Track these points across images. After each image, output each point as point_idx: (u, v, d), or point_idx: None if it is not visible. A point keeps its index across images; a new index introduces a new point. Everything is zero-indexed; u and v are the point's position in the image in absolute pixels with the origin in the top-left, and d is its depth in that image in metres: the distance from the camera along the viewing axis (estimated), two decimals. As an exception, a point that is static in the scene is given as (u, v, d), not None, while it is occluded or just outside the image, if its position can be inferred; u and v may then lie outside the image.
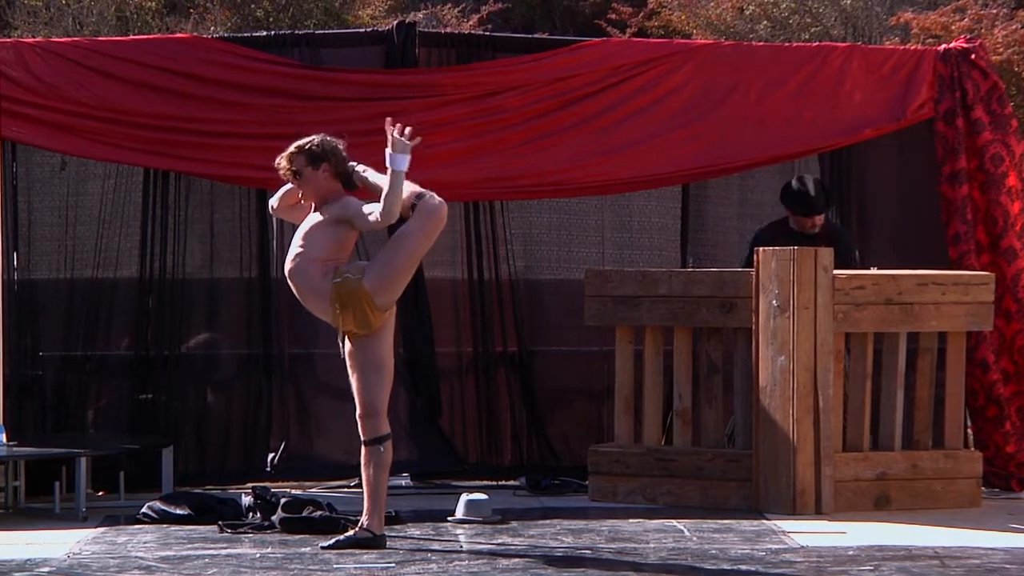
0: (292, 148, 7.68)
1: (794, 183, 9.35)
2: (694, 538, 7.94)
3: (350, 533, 7.58)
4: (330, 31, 9.75)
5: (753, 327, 8.72)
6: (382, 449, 7.54)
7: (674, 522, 8.33)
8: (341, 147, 7.74)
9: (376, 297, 7.49)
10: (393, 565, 7.26)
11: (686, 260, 9.82)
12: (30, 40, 9.31)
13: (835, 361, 8.68)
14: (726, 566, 7.27)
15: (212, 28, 17.80)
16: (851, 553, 7.56)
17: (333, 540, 7.55)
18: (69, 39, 9.44)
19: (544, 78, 9.56)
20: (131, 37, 9.36)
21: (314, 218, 7.64)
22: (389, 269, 7.55)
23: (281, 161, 7.69)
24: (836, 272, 8.69)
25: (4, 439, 8.76)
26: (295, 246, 7.62)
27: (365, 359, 7.55)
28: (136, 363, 9.53)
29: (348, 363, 7.60)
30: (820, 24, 17.80)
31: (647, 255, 9.86)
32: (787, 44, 9.72)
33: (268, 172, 9.42)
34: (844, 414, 8.82)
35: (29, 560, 7.41)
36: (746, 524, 8.28)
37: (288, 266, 7.63)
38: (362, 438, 7.58)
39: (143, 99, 9.32)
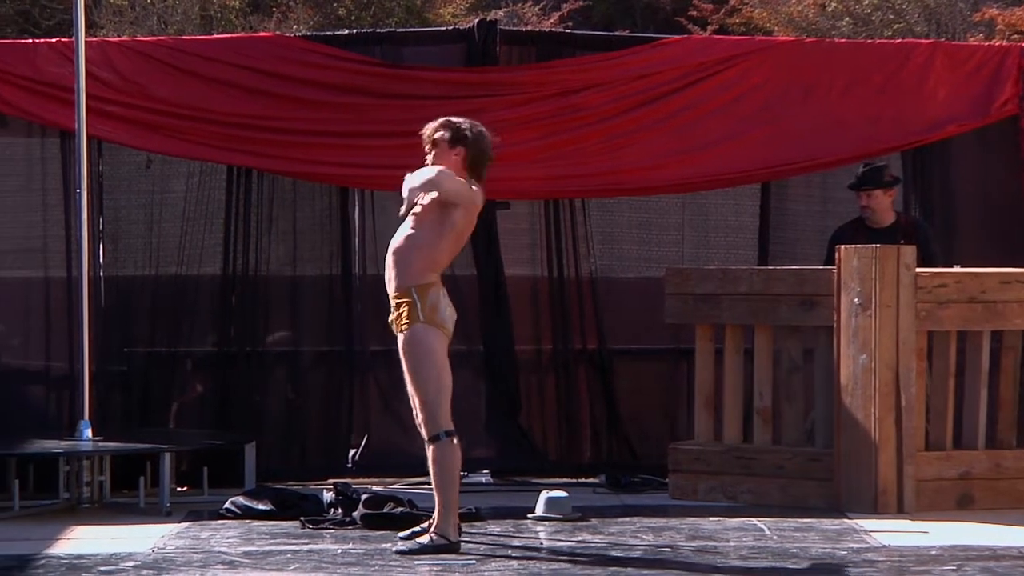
0: (446, 119, 7.52)
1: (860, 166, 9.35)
2: (775, 537, 7.91)
3: (424, 540, 7.42)
4: (411, 29, 9.82)
5: (834, 325, 8.68)
6: (445, 442, 7.33)
7: (754, 520, 8.30)
8: (488, 146, 7.56)
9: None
10: (473, 562, 7.28)
11: (767, 258, 9.78)
12: (116, 39, 9.43)
13: (917, 360, 8.62)
14: (807, 565, 7.23)
15: (294, 27, 17.93)
16: (934, 553, 7.51)
17: (406, 547, 7.41)
18: (154, 38, 9.54)
19: (624, 76, 9.56)
20: (215, 36, 9.45)
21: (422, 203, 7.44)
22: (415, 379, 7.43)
23: (427, 128, 7.53)
24: (919, 270, 8.63)
25: (90, 434, 8.85)
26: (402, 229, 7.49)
27: (416, 352, 7.36)
28: (219, 359, 9.60)
29: (403, 360, 7.46)
30: (903, 21, 17.69)
31: (723, 254, 9.83)
32: (869, 41, 9.67)
33: (349, 169, 9.53)
34: (926, 413, 8.76)
35: (114, 554, 7.49)
36: (827, 523, 8.24)
37: (407, 241, 7.44)
38: (424, 437, 7.44)
39: (226, 97, 9.39)
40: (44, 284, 9.48)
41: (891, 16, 17.71)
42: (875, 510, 8.48)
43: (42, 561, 7.34)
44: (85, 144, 8.96)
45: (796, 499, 8.73)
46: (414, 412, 7.50)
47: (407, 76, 9.53)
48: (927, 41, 10.44)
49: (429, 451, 7.43)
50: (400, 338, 7.44)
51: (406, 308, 7.40)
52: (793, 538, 7.86)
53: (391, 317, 7.50)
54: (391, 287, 7.47)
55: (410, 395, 7.49)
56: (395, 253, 7.48)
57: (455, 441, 7.41)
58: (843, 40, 9.62)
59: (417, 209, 7.38)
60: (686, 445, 9.16)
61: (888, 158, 9.67)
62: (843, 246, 8.72)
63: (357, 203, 9.67)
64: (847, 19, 17.85)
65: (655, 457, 9.45)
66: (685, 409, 9.57)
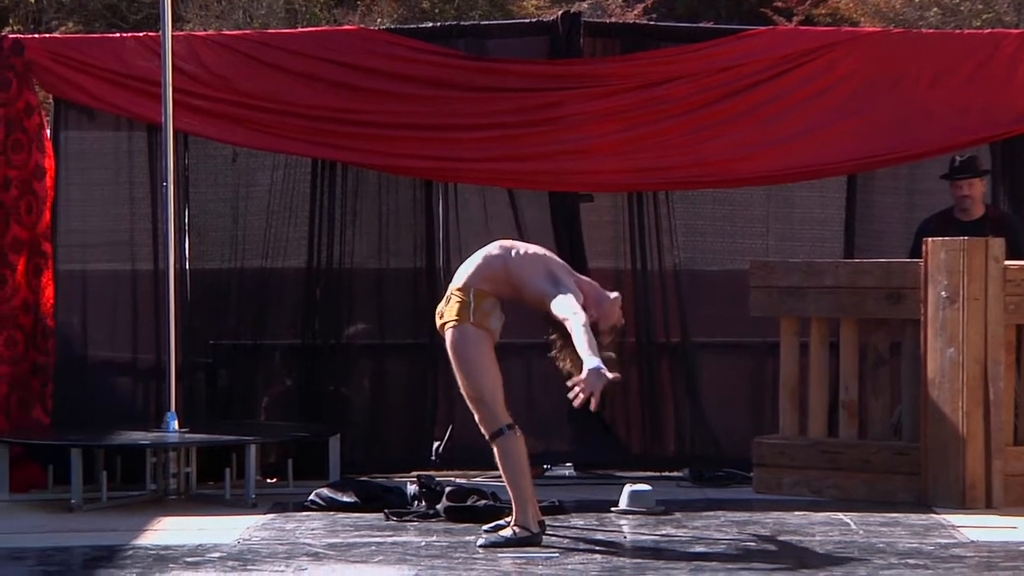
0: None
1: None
2: (861, 531, 7.85)
3: (507, 534, 7.46)
4: (495, 22, 9.79)
5: (921, 318, 8.60)
6: (508, 435, 7.36)
7: (840, 515, 8.25)
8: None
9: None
10: (557, 554, 7.28)
11: (852, 251, 9.70)
12: (202, 33, 9.50)
13: (1006, 353, 8.53)
14: (894, 560, 7.17)
15: (379, 20, 17.97)
16: (1023, 548, 7.43)
17: (489, 540, 7.43)
18: (239, 32, 9.59)
19: (709, 68, 9.51)
20: (299, 30, 9.48)
21: (553, 261, 7.52)
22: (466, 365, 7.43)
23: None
24: (1007, 263, 8.54)
25: (177, 426, 8.92)
26: (528, 246, 7.55)
27: (468, 351, 7.39)
28: (304, 352, 9.65)
29: (452, 359, 7.47)
30: (992, 10, 17.48)
31: (808, 247, 9.75)
32: (958, 31, 9.57)
33: (433, 162, 9.55)
34: (1015, 407, 8.66)
35: (200, 545, 7.54)
36: (914, 518, 8.17)
37: (496, 255, 7.49)
38: (486, 435, 7.47)
39: (310, 91, 9.44)
40: (131, 277, 9.56)
41: (980, 6, 17.52)
42: (963, 505, 8.39)
43: (129, 552, 7.41)
44: (172, 138, 9.03)
45: (882, 494, 8.67)
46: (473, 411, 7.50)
47: (491, 69, 9.54)
48: (1016, 31, 10.30)
49: (494, 449, 7.46)
50: (448, 335, 7.46)
51: (458, 305, 7.44)
52: (879, 533, 7.80)
53: (441, 307, 7.51)
54: (457, 279, 7.50)
55: (463, 393, 7.50)
56: (482, 256, 7.51)
57: (518, 433, 7.44)
58: (931, 30, 9.50)
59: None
60: (771, 439, 9.11)
61: (976, 149, 9.57)
62: (930, 239, 8.64)
63: (441, 196, 9.69)
64: (935, 9, 17.68)
65: (739, 451, 9.40)
66: (769, 403, 9.51)
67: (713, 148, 9.50)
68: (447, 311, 7.47)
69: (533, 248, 7.60)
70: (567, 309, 7.28)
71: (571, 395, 7.17)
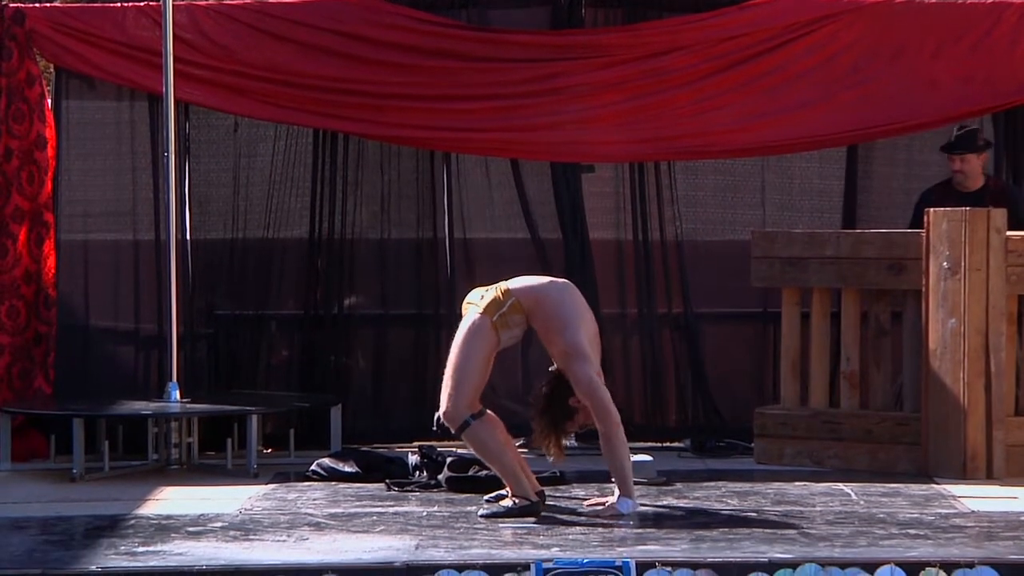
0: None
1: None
2: (861, 502, 7.86)
3: (507, 504, 7.49)
4: (498, -8, 9.78)
5: (923, 289, 8.60)
6: (473, 425, 7.41)
7: (841, 485, 8.26)
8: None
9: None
10: (558, 525, 7.29)
11: (852, 222, 9.69)
12: (203, 3, 9.47)
13: (1007, 324, 8.54)
14: (894, 530, 7.19)
15: (380, -10, 17.89)
16: (1023, 518, 7.44)
17: (490, 510, 7.48)
18: (240, 1, 9.56)
19: (712, 38, 9.50)
20: (301, -1, 9.48)
21: (597, 341, 7.54)
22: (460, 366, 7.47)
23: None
24: (1009, 233, 8.53)
25: (179, 396, 8.93)
26: (590, 314, 7.58)
27: (475, 340, 7.42)
28: (306, 322, 9.66)
29: (458, 338, 7.49)
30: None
31: (807, 217, 9.76)
32: (960, 1, 9.56)
33: (435, 132, 9.55)
34: (1016, 378, 8.67)
35: (202, 515, 7.56)
36: (915, 488, 8.18)
37: (559, 286, 7.59)
38: (452, 431, 7.50)
39: (312, 61, 9.43)
40: (133, 247, 9.56)
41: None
42: (964, 475, 8.41)
43: (132, 521, 7.43)
44: (173, 108, 9.02)
45: (884, 464, 8.68)
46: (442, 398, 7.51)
47: (493, 39, 9.52)
48: (1019, 2, 10.27)
49: (464, 440, 7.51)
50: (468, 317, 7.48)
51: (492, 299, 7.45)
52: (880, 503, 7.81)
53: (479, 290, 7.52)
54: (512, 281, 7.53)
55: (446, 372, 7.49)
56: (547, 280, 7.62)
57: (484, 416, 7.46)
58: (933, 0, 9.50)
59: None
60: (772, 409, 9.12)
61: (979, 120, 9.56)
62: (932, 209, 8.64)
63: (443, 166, 9.68)
64: (937, -21, 17.64)
65: (741, 421, 9.41)
66: (771, 373, 9.52)
67: (715, 119, 9.49)
68: (483, 296, 7.49)
69: (592, 319, 7.58)
70: (616, 421, 7.41)
71: (591, 505, 7.48)
